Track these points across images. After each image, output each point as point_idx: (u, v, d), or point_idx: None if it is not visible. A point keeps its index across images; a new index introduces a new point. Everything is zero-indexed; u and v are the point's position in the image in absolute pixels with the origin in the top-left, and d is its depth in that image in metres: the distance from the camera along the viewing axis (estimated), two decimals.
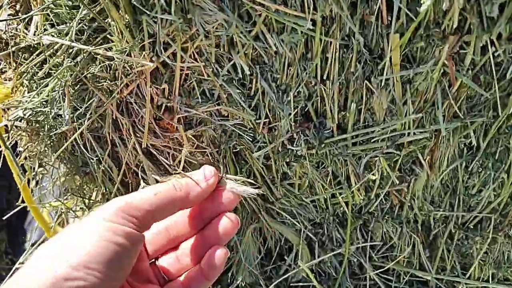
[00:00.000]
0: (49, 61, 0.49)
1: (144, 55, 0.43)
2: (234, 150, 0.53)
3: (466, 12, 0.36)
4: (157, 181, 0.40)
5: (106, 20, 0.44)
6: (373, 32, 0.40)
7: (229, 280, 0.64)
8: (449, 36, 0.37)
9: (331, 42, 0.42)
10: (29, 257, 0.36)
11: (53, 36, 0.47)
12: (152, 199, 0.37)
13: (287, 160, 0.53)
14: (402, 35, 0.39)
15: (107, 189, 0.61)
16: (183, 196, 0.39)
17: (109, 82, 0.48)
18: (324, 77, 0.45)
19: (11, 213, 0.68)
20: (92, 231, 0.34)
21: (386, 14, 0.38)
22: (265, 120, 0.49)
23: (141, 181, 0.53)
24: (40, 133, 0.56)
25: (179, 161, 0.53)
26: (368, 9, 0.39)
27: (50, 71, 0.51)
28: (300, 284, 0.66)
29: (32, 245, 1.06)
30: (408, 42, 0.40)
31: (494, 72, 0.38)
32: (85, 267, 0.33)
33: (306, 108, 0.48)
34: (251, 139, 0.52)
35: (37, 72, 0.52)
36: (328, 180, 0.54)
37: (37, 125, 0.55)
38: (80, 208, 0.66)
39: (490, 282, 0.57)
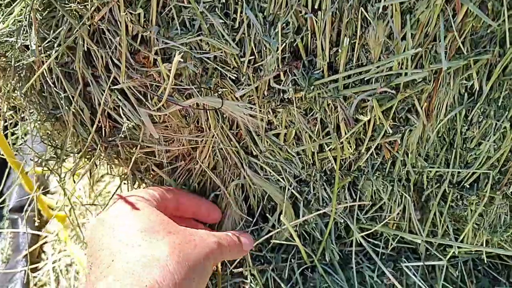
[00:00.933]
0: None
1: None
2: (216, 93, 0.49)
3: None
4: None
5: None
6: None
7: None
8: None
9: None
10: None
11: None
12: (226, 254, 0.51)
13: (273, 106, 0.49)
14: None
15: (79, 136, 0.56)
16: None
17: (78, 5, 0.43)
18: (316, 6, 0.41)
19: None
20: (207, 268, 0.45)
21: None
22: (250, 58, 0.45)
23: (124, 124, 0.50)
24: (7, 68, 0.51)
25: (158, 100, 0.49)
26: None
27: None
28: (284, 246, 0.62)
29: (10, 210, 1.02)
30: None
31: None
32: None
33: (295, 43, 0.44)
34: (234, 80, 0.48)
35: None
36: (316, 129, 0.50)
37: (3, 58, 0.51)
38: (51, 157, 0.61)
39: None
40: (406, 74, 0.41)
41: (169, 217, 0.48)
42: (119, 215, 0.45)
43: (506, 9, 0.35)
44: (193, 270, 0.42)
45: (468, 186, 0.50)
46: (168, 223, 0.46)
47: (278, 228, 0.58)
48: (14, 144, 0.67)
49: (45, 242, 0.90)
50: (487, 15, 0.36)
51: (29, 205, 0.67)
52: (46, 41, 0.47)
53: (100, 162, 0.64)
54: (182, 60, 0.46)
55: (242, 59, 0.45)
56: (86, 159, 0.60)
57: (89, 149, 0.57)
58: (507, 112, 0.42)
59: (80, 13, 0.44)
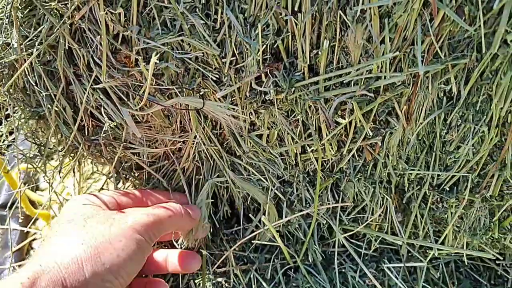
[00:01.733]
0: None
1: None
2: (198, 93, 0.49)
3: None
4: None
5: None
6: None
7: None
8: None
9: None
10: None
11: None
12: (167, 223, 0.50)
13: (255, 107, 0.49)
14: None
15: (63, 134, 0.56)
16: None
17: (59, 4, 0.43)
18: (296, 8, 0.41)
19: None
20: (124, 242, 0.44)
21: None
22: (231, 59, 0.45)
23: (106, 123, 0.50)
24: None
25: (139, 101, 0.49)
26: None
27: None
28: (267, 246, 0.63)
29: None
30: None
31: (479, 3, 0.35)
32: (116, 273, 0.42)
33: (276, 45, 0.44)
34: (216, 81, 0.48)
35: None
36: (298, 131, 0.50)
37: None
38: (35, 156, 0.61)
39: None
40: (385, 77, 0.42)
41: None
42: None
43: (482, 14, 0.36)
44: (105, 250, 0.43)
45: (448, 189, 0.50)
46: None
47: (261, 228, 0.58)
48: None
49: (34, 239, 0.90)
50: (464, 20, 0.36)
51: (12, 204, 0.67)
52: (28, 39, 0.47)
53: (84, 161, 0.64)
54: (163, 60, 0.46)
55: (223, 60, 0.45)
56: (70, 157, 0.60)
57: (73, 148, 0.57)
58: (485, 116, 0.43)
59: (60, 12, 0.44)
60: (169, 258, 0.55)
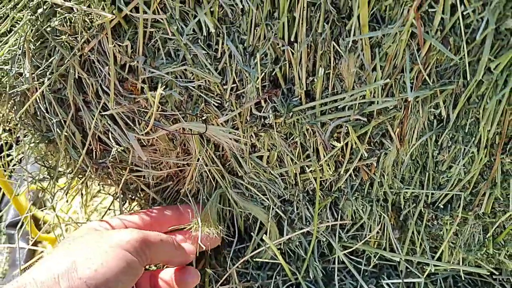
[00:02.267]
0: (10, 15, 0.47)
1: (103, 6, 0.42)
2: (201, 118, 0.51)
3: None
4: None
5: None
6: None
7: None
8: None
9: (298, 0, 0.40)
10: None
11: None
12: (158, 246, 0.49)
13: (255, 130, 0.51)
14: None
15: (72, 158, 0.58)
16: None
17: (69, 37, 0.46)
18: (292, 39, 0.43)
19: None
20: (104, 257, 0.43)
21: None
22: (232, 86, 0.48)
23: (114, 148, 0.52)
24: (2, 93, 0.54)
25: (145, 126, 0.52)
26: None
27: (11, 28, 0.49)
28: (269, 263, 0.64)
29: (7, 226, 1.04)
30: (376, 1, 0.38)
31: (463, 34, 0.37)
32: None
33: (274, 72, 0.46)
34: (218, 107, 0.50)
35: None
36: (297, 152, 0.52)
37: None
38: (44, 178, 0.63)
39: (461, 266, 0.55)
40: (378, 102, 0.44)
41: None
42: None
43: (466, 44, 0.38)
44: (83, 264, 0.42)
45: (442, 207, 0.52)
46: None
47: (263, 246, 0.60)
48: (9, 165, 0.69)
49: (41, 257, 0.92)
50: (450, 49, 0.39)
51: (21, 225, 0.69)
52: (39, 70, 0.49)
53: (92, 182, 0.66)
54: (167, 88, 0.49)
55: (225, 87, 0.48)
56: (78, 179, 0.62)
57: (81, 170, 0.60)
58: (474, 138, 0.45)
59: (71, 44, 0.47)
60: (162, 275, 0.54)
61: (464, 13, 0.36)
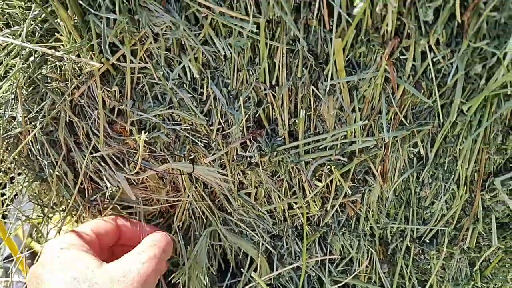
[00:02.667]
0: (3, 62, 0.49)
1: (91, 56, 0.43)
2: (188, 157, 0.52)
3: (403, 17, 0.36)
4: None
5: (56, 21, 0.44)
6: (318, 37, 0.41)
7: None
8: (388, 41, 0.37)
9: (277, 47, 0.42)
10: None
11: (6, 35, 0.48)
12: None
13: (242, 168, 0.52)
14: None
15: (64, 197, 0.60)
16: None
17: (60, 83, 0.47)
18: (273, 83, 0.45)
19: None
20: None
21: (328, 19, 0.39)
22: (218, 126, 0.49)
23: (107, 186, 0.53)
24: None
25: (134, 166, 0.53)
26: (311, 13, 0.39)
27: (4, 74, 0.51)
28: None
29: (4, 259, 1.04)
30: (351, 48, 0.40)
31: (434, 79, 0.39)
32: None
33: (258, 114, 0.48)
34: (205, 146, 0.51)
35: None
36: (284, 189, 0.53)
37: None
38: (37, 216, 0.64)
39: None
40: (358, 142, 0.45)
41: (109, 248, 0.53)
42: (46, 264, 0.46)
43: (439, 87, 0.39)
44: None
45: (428, 241, 0.53)
46: (93, 271, 0.46)
47: (253, 282, 0.61)
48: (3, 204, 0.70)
49: None
50: (423, 93, 0.40)
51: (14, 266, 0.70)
52: (31, 113, 0.51)
53: (85, 218, 0.67)
54: (155, 129, 0.51)
55: (211, 128, 0.49)
56: (71, 216, 0.63)
57: (73, 208, 0.61)
58: (453, 175, 0.46)
59: (61, 90, 0.48)
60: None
61: (434, 59, 0.37)
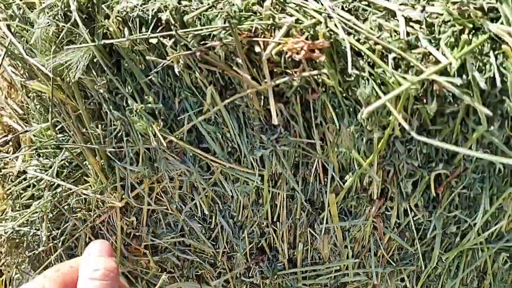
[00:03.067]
0: (33, 188, 0.55)
1: (114, 196, 0.49)
2: (196, 273, 0.57)
3: (387, 184, 0.42)
4: None
5: (84, 163, 0.50)
6: (314, 188, 0.46)
7: None
8: (375, 200, 0.43)
9: (279, 193, 0.48)
10: None
11: (37, 168, 0.54)
12: None
13: (244, 287, 0.57)
14: (337, 194, 0.45)
15: None
16: None
17: (84, 212, 0.53)
18: (275, 219, 0.50)
19: None
20: None
21: (323, 177, 0.45)
22: (224, 250, 0.54)
23: None
24: (19, 247, 0.61)
25: (146, 284, 0.58)
26: (308, 170, 0.45)
27: (32, 197, 0.56)
28: None
29: None
30: (343, 200, 0.46)
31: (415, 233, 0.44)
32: None
33: (260, 243, 0.53)
34: (211, 265, 0.56)
35: (22, 194, 0.58)
36: None
37: (17, 240, 0.60)
38: None
39: None
40: (350, 274, 0.50)
41: None
42: None
43: (420, 238, 0.45)
44: None
45: None
46: None
47: None
48: None
49: None
50: (406, 241, 0.46)
51: None
52: (54, 235, 0.56)
53: None
54: (166, 251, 0.56)
55: (217, 250, 0.54)
56: None
57: None
58: None
59: (83, 218, 0.54)
60: None
61: (415, 218, 0.43)
